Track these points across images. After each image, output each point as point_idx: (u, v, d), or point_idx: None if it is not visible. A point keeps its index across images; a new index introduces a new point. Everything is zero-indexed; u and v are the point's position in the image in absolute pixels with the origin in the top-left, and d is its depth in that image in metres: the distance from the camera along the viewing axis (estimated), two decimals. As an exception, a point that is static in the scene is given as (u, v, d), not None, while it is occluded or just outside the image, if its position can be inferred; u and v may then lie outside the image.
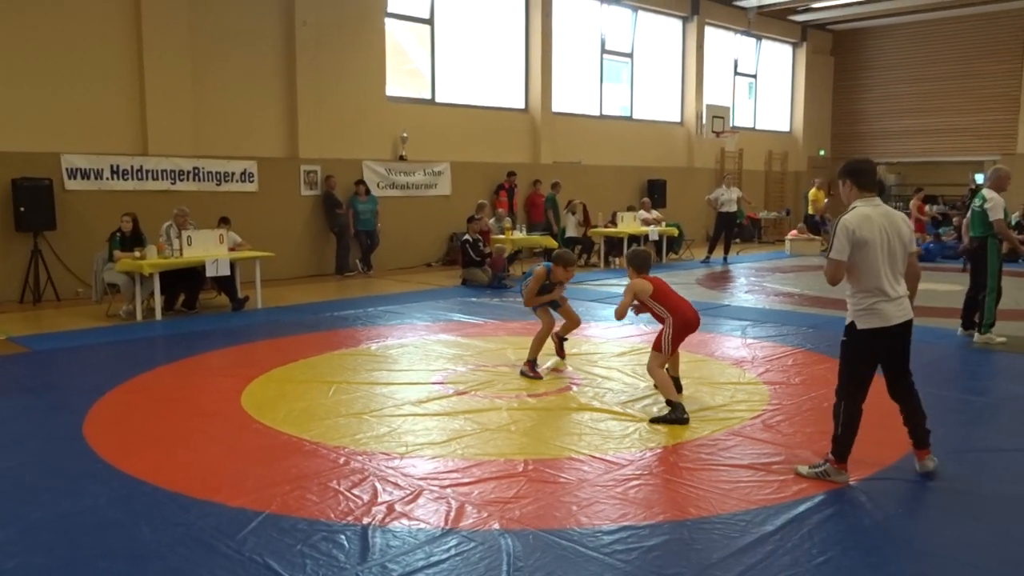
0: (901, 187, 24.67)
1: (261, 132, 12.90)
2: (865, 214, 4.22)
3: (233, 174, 12.49)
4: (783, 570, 3.40)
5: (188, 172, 12.00)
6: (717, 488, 4.30)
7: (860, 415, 4.34)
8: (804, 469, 4.49)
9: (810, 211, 19.37)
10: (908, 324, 4.32)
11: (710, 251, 16.54)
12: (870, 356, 4.33)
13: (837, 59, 25.12)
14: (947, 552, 3.58)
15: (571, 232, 15.61)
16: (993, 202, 7.83)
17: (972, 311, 8.32)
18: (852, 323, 4.31)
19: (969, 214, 8.29)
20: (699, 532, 3.77)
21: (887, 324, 4.23)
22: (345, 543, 3.65)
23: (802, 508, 4.02)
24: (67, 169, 10.94)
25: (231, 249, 10.20)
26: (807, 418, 5.57)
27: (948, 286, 12.45)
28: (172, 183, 11.83)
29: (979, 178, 22.31)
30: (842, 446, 4.34)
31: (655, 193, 18.88)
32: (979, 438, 5.18)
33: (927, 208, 19.01)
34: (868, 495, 4.21)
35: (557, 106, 17.23)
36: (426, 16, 15.11)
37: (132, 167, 11.47)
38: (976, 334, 8.13)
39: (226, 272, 9.78)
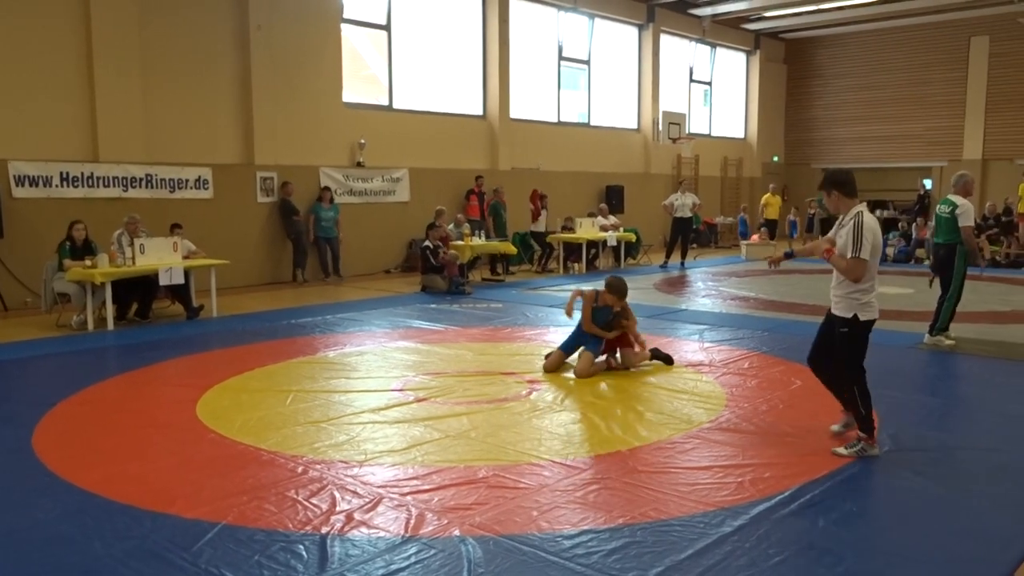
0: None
1: (216, 138, 12.73)
2: (873, 217, 4.74)
3: (187, 181, 12.30)
4: (740, 571, 3.44)
5: (140, 179, 11.79)
6: (676, 491, 4.34)
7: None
8: (842, 450, 4.87)
9: (766, 216, 19.71)
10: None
11: (667, 256, 16.71)
12: (866, 343, 4.88)
13: (790, 67, 25.59)
14: (898, 550, 3.66)
15: (540, 227, 15.68)
16: (964, 208, 7.93)
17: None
18: (855, 316, 4.76)
19: (935, 221, 8.34)
20: (658, 535, 3.80)
21: (877, 316, 4.81)
22: (303, 553, 3.61)
23: (759, 509, 4.08)
24: (15, 176, 10.67)
25: (185, 257, 10.04)
26: (764, 419, 5.65)
27: (897, 289, 12.73)
28: (124, 190, 11.60)
29: (928, 184, 22.89)
30: (868, 422, 4.83)
31: (613, 199, 19.03)
32: (930, 438, 5.29)
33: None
34: (824, 495, 4.28)
35: (515, 112, 17.29)
36: (383, 22, 15.06)
37: (82, 174, 11.23)
38: (927, 335, 8.30)
39: (180, 280, 9.63)
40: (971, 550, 3.66)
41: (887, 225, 22.23)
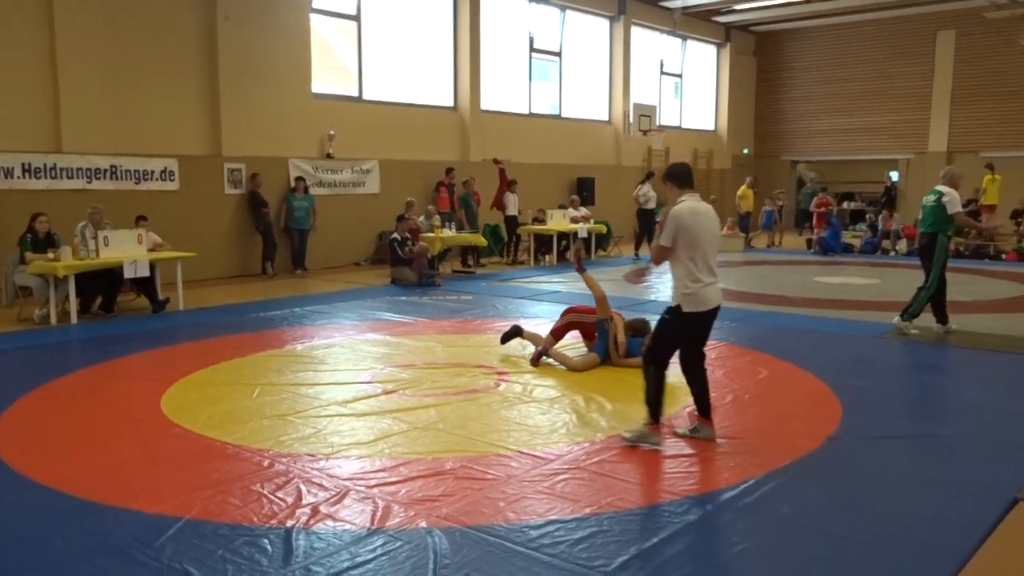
0: (818, 184, 25.38)
1: (182, 129, 12.56)
2: (692, 207, 4.78)
3: (153, 172, 12.12)
4: (705, 558, 3.47)
5: (105, 170, 11.60)
6: (642, 480, 4.38)
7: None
8: (627, 434, 4.96)
9: (742, 208, 19.74)
10: (717, 309, 4.91)
11: (637, 247, 16.78)
12: (681, 336, 4.96)
13: (759, 60, 25.76)
14: (860, 536, 3.70)
15: (511, 211, 15.72)
16: (951, 196, 8.07)
17: (938, 306, 8.40)
18: (679, 306, 4.83)
19: (921, 211, 8.40)
20: (625, 524, 3.82)
21: (703, 310, 4.81)
22: (268, 547, 3.59)
23: (724, 497, 4.12)
24: (-26, 167, 10.46)
25: (151, 250, 9.91)
26: (730, 409, 5.70)
27: (863, 280, 12.89)
28: (88, 181, 11.41)
29: (894, 176, 23.20)
30: (655, 409, 4.92)
31: (584, 191, 19.05)
32: (893, 425, 5.36)
33: (832, 200, 19.67)
34: (788, 483, 4.33)
35: (486, 104, 17.24)
36: (353, 12, 14.93)
37: (45, 165, 11.02)
38: (898, 317, 8.38)
39: (145, 273, 9.50)
40: (932, 535, 3.71)
41: (855, 216, 22.56)
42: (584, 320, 7.25)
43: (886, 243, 17.87)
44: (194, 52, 12.59)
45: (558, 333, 7.24)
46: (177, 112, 12.47)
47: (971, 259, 16.34)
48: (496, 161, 16.17)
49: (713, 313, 4.91)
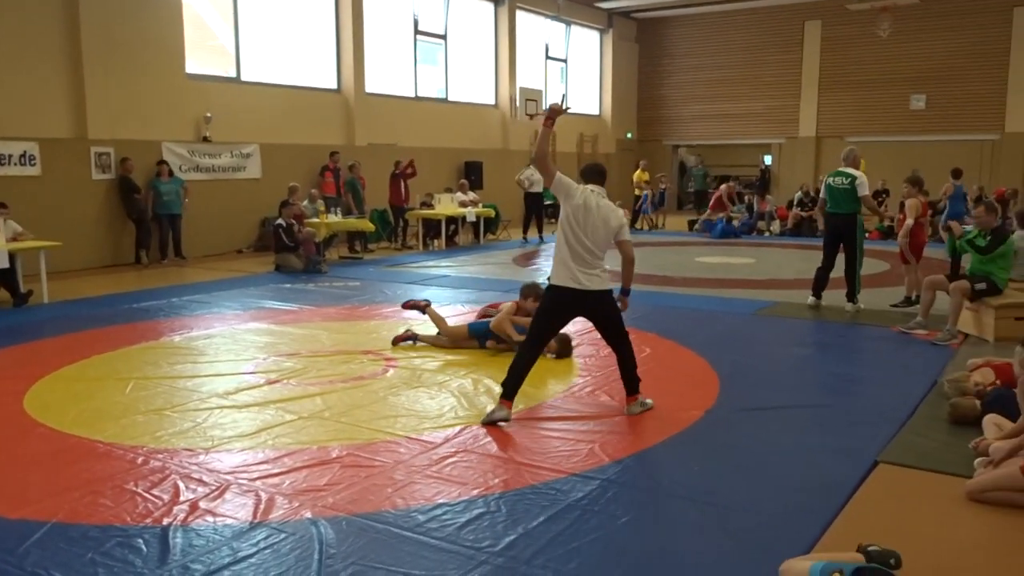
0: (699, 168, 26.25)
1: (43, 110, 11.78)
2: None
3: (10, 156, 11.33)
4: (590, 533, 3.55)
5: (-44, 155, 10.80)
6: (530, 460, 4.42)
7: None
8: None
9: (636, 192, 20.18)
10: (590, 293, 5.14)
11: (525, 231, 16.90)
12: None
13: (641, 46, 26.33)
14: (736, 503, 3.87)
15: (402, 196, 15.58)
16: (862, 179, 8.41)
17: (824, 283, 8.79)
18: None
19: (826, 193, 8.60)
20: (512, 504, 3.86)
21: (556, 283, 5.13)
22: (143, 547, 3.44)
23: (608, 474, 4.22)
24: None
25: (11, 240, 9.29)
26: (615, 387, 5.82)
27: (740, 259, 13.42)
28: (-63, 167, 10.60)
29: (767, 159, 24.22)
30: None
31: (472, 175, 19.03)
32: (765, 397, 5.61)
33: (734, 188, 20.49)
34: (669, 456, 4.48)
35: (371, 87, 16.95)
36: (228, -10, 14.36)
37: None
38: (850, 304, 8.65)
39: (4, 265, 8.89)
40: (801, 499, 3.91)
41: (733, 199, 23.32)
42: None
43: (761, 224, 18.64)
44: (54, 28, 11.81)
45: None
46: (36, 92, 11.68)
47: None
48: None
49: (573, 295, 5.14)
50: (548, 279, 5.26)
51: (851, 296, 8.68)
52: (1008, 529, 3.61)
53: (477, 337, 6.99)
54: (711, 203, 19.54)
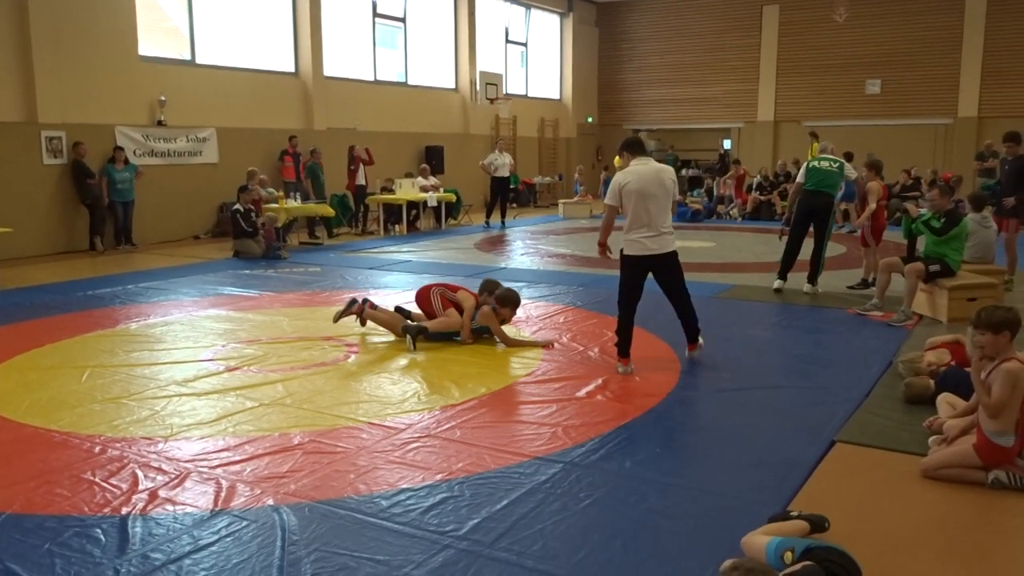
0: (659, 152, 26.39)
1: (-10, 93, 11.47)
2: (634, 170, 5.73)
3: (-43, 141, 11.03)
4: (553, 515, 3.57)
5: (-101, 138, 10.45)
6: (493, 444, 4.43)
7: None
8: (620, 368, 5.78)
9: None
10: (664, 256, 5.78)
11: (488, 216, 16.89)
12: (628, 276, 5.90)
13: (601, 30, 26.32)
14: (698, 484, 3.92)
15: (360, 181, 15.41)
16: (848, 167, 8.68)
17: (791, 266, 8.88)
18: (622, 250, 5.84)
19: (809, 173, 8.62)
20: (475, 488, 3.86)
21: (637, 254, 5.75)
22: (101, 536, 3.39)
23: (571, 457, 4.24)
24: None
25: (-42, 225, 9.05)
26: (577, 371, 5.87)
27: (700, 243, 13.54)
28: None
29: (727, 144, 24.40)
30: (620, 343, 5.83)
31: (433, 159, 18.92)
32: (726, 379, 5.69)
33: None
34: (631, 439, 4.51)
35: (329, 70, 16.72)
36: (181, -30, 14.05)
37: None
38: (808, 285, 8.76)
39: (-47, 251, 8.67)
40: (760, 478, 3.98)
41: (692, 183, 23.57)
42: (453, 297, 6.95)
43: (720, 208, 18.82)
44: (1, 8, 11.46)
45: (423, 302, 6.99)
46: (-17, 74, 11.36)
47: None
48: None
49: (650, 261, 5.76)
50: (622, 251, 5.86)
51: (812, 278, 8.80)
52: (962, 505, 3.71)
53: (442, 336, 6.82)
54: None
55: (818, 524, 3.26)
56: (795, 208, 8.85)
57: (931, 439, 4.26)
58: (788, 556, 2.87)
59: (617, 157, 20.50)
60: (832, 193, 8.64)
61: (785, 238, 8.90)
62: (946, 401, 4.60)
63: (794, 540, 2.99)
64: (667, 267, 5.88)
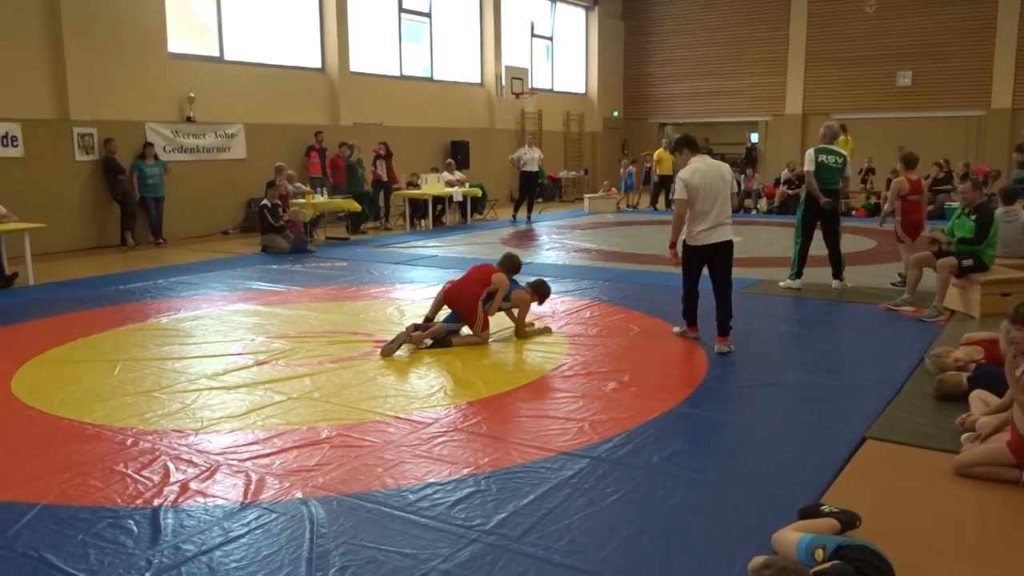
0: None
1: (23, 91, 11.61)
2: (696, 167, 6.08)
3: (-8, 138, 11.21)
4: (580, 510, 3.56)
5: (-64, 136, 10.64)
6: (519, 439, 4.43)
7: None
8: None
9: (659, 172, 19.41)
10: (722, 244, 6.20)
11: (516, 210, 16.83)
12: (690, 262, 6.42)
13: (627, 24, 26.18)
14: (725, 481, 3.90)
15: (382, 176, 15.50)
16: (848, 160, 8.63)
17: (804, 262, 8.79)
18: (684, 241, 6.24)
19: (817, 169, 8.47)
20: (502, 483, 3.87)
21: (700, 244, 6.17)
22: (134, 527, 3.44)
23: (598, 452, 4.23)
24: None
25: (-6, 221, 9.21)
26: (603, 365, 5.85)
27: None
28: (-84, 148, 10.45)
29: (754, 137, 24.18)
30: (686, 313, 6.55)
31: (458, 154, 18.94)
32: (752, 375, 5.65)
33: None
34: (657, 435, 4.49)
35: (355, 66, 16.79)
36: (210, -33, 14.16)
37: None
38: (836, 281, 8.71)
39: (-11, 246, 8.83)
40: (791, 475, 3.94)
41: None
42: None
43: (748, 202, 18.66)
44: (33, 7, 11.63)
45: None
46: (17, 73, 11.52)
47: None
48: None
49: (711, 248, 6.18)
50: (684, 240, 6.26)
51: (838, 273, 8.72)
52: (995, 504, 3.65)
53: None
54: None
55: (849, 522, 3.23)
56: (805, 205, 8.63)
57: (964, 436, 4.21)
58: (819, 553, 2.85)
59: (660, 149, 20.08)
60: (837, 189, 8.60)
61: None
62: (979, 398, 4.54)
63: (826, 538, 2.96)
64: (722, 254, 6.24)
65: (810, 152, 8.68)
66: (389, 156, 15.63)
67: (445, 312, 6.68)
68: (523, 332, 6.69)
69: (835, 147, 8.66)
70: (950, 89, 21.36)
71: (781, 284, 8.79)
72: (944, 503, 3.65)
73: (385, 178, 15.58)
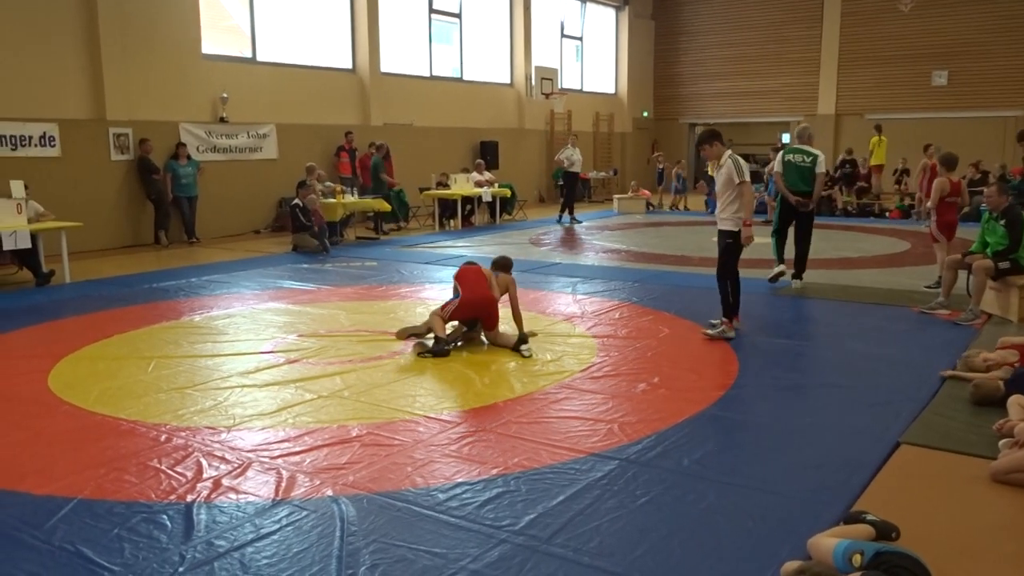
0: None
1: (61, 92, 11.83)
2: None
3: (31, 138, 11.40)
4: (609, 512, 3.55)
5: (-23, 136, 10.85)
6: (548, 440, 4.42)
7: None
8: (708, 331, 6.55)
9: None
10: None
11: (563, 210, 16.49)
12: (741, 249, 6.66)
13: (657, 23, 26.06)
14: (757, 484, 3.86)
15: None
16: (821, 158, 8.63)
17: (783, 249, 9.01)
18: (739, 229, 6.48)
19: (784, 168, 8.65)
20: (531, 483, 3.86)
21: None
22: (167, 523, 3.48)
23: (628, 453, 4.21)
24: None
25: (32, 220, 9.36)
26: (632, 367, 5.83)
27: (759, 239, 13.29)
28: (-42, 148, 10.66)
29: (785, 138, 23.91)
30: (733, 309, 6.66)
31: (488, 155, 18.97)
32: (783, 377, 5.59)
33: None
34: (688, 436, 4.46)
35: (386, 67, 16.88)
36: (243, -31, 14.31)
37: (-92, 130, 10.24)
38: (797, 281, 8.81)
39: (27, 245, 8.98)
40: (821, 479, 3.90)
41: (752, 178, 23.17)
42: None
43: (774, 202, 18.41)
44: (72, 9, 11.83)
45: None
46: (55, 74, 11.73)
47: (857, 217, 17.08)
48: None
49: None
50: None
51: (799, 274, 8.89)
52: (1032, 510, 3.58)
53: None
54: None
55: (885, 532, 3.18)
56: (780, 205, 8.91)
57: (1001, 442, 4.13)
58: (857, 559, 2.80)
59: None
60: (808, 190, 8.58)
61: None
62: (1018, 403, 4.45)
63: (863, 543, 2.92)
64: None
65: (780, 154, 8.86)
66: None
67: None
68: (519, 315, 6.42)
69: (807, 147, 8.69)
70: (987, 89, 21.01)
71: (794, 285, 8.80)
72: (980, 510, 3.59)
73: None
